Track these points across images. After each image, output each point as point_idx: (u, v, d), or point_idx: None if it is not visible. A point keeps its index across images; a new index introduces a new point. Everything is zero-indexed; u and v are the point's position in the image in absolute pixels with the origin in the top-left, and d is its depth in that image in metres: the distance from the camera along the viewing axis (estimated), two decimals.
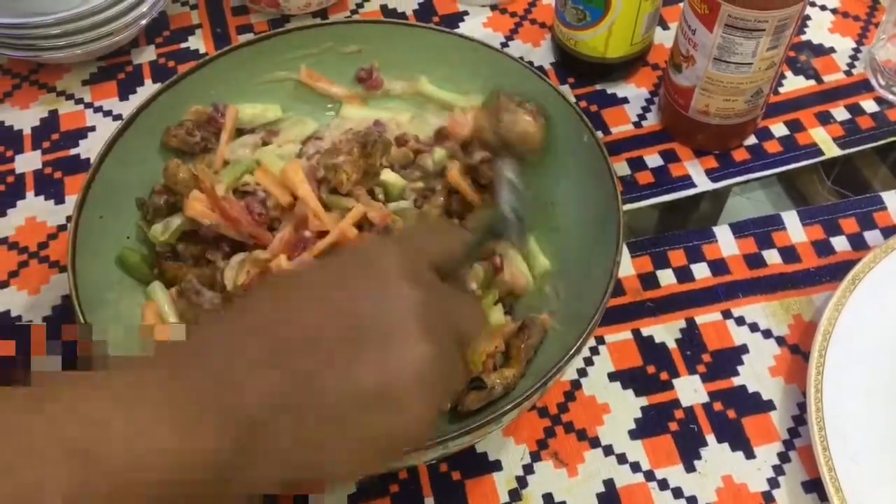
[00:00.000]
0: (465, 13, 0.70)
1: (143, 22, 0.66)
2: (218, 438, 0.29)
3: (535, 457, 0.49)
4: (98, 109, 0.65)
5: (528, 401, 0.41)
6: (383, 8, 0.70)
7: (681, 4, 0.57)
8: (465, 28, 0.69)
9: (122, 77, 0.67)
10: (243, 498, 0.31)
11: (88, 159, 0.62)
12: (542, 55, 0.67)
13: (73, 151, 0.63)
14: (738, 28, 0.51)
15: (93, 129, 0.64)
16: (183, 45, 0.69)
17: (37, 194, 0.60)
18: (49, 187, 0.61)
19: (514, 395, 0.43)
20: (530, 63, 0.66)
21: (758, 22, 0.51)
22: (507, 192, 0.45)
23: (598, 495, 0.48)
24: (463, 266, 0.39)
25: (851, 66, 0.66)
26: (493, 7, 0.71)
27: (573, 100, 0.52)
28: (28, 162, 0.62)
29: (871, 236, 0.57)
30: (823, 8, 0.70)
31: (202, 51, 0.68)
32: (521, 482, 0.48)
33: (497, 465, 0.49)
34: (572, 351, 0.42)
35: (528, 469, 0.49)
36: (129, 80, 0.67)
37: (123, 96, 0.66)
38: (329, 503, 0.47)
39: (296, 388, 0.30)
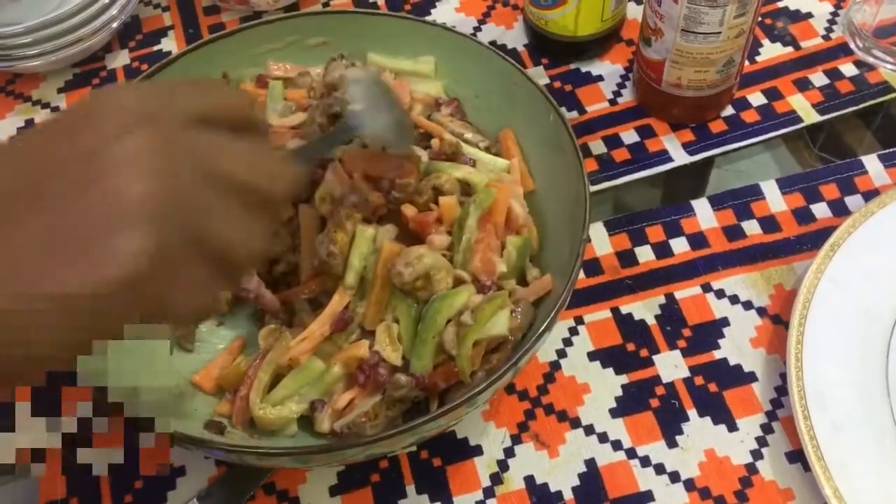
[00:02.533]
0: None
1: (114, 26, 0.66)
2: None
3: (516, 440, 0.49)
4: None
5: (500, 381, 0.41)
6: (346, 11, 0.70)
7: None
8: (437, 14, 0.69)
9: (96, 82, 0.67)
10: None
11: None
12: (515, 37, 0.67)
13: None
14: None
15: None
16: (156, 48, 0.69)
17: None
18: None
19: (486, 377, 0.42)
20: (503, 46, 0.66)
21: None
22: (356, 92, 0.45)
23: (580, 475, 0.47)
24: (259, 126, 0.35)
25: (829, 30, 0.65)
26: None
27: (541, 81, 0.52)
28: None
29: (853, 201, 0.56)
30: None
31: (176, 52, 0.68)
32: (503, 465, 0.48)
33: (478, 450, 0.49)
34: (541, 330, 0.42)
35: (509, 452, 0.48)
36: (103, 84, 0.67)
37: None
38: (310, 494, 0.48)
39: None
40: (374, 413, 0.45)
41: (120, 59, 0.69)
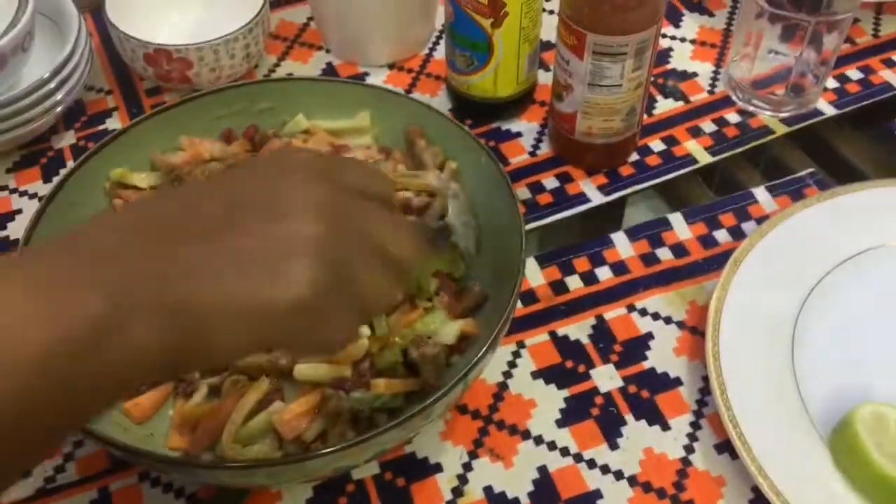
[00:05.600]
0: (366, 73, 0.76)
1: (59, 110, 0.69)
2: (84, 310, 0.29)
3: (473, 455, 0.52)
4: (23, 193, 0.68)
5: (452, 393, 0.45)
6: (289, 77, 0.76)
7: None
8: None
9: (44, 161, 0.70)
10: (120, 365, 0.30)
11: (17, 240, 0.64)
12: (440, 103, 0.74)
13: (1, 234, 0.65)
14: (604, 54, 0.59)
15: (19, 211, 0.67)
16: (101, 127, 0.73)
17: None
18: None
19: (437, 391, 0.46)
20: None
21: (620, 46, 0.58)
22: (453, 205, 0.51)
23: (534, 481, 0.51)
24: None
25: (713, 85, 0.75)
26: (391, 66, 0.77)
27: (467, 129, 0.57)
28: None
29: (748, 226, 0.64)
30: (683, 40, 0.79)
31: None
32: (462, 479, 0.51)
33: (438, 468, 0.52)
34: (485, 348, 0.46)
35: (468, 467, 0.52)
36: (51, 163, 0.70)
37: (47, 179, 0.69)
38: None
39: (165, 261, 0.31)
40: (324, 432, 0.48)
41: (66, 139, 0.72)
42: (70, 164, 0.70)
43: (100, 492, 0.51)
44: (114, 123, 0.73)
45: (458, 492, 0.51)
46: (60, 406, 0.29)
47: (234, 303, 0.31)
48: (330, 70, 0.77)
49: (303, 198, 0.33)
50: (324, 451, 0.43)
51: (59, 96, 0.69)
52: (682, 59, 0.77)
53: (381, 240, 0.35)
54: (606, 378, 0.56)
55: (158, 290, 0.31)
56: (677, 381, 0.56)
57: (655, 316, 0.59)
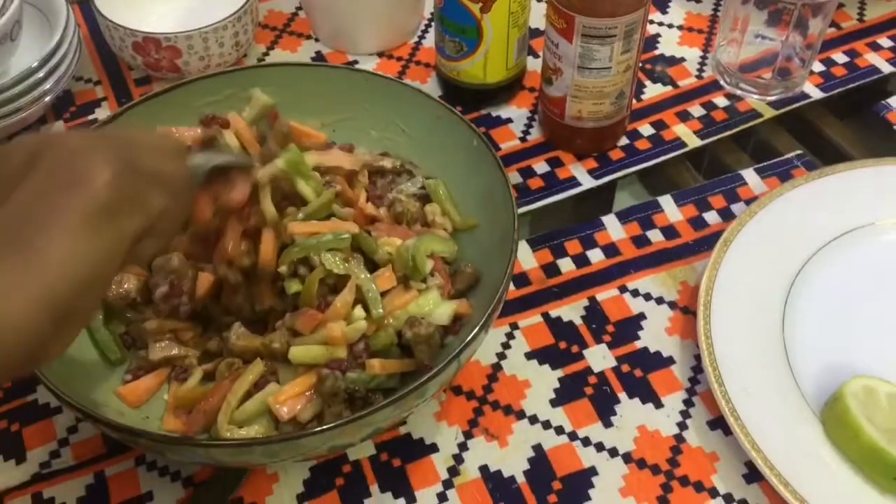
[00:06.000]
0: (355, 62, 0.76)
1: (48, 99, 0.69)
2: None
3: (468, 435, 0.53)
4: None
5: (446, 372, 0.45)
6: (280, 63, 0.76)
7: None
8: None
9: None
10: None
11: None
12: (430, 90, 0.73)
13: None
14: (593, 36, 0.59)
15: None
16: (90, 117, 0.72)
17: None
18: None
19: (431, 370, 0.46)
20: None
21: (609, 29, 0.58)
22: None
23: (530, 459, 0.52)
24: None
25: (701, 70, 0.75)
26: (381, 54, 0.77)
27: (458, 112, 0.58)
28: None
29: (737, 208, 0.65)
30: (671, 26, 0.79)
31: None
32: (458, 459, 0.52)
33: (434, 448, 0.52)
34: (478, 328, 0.46)
35: (463, 447, 0.52)
36: None
37: None
38: (278, 502, 0.50)
39: None
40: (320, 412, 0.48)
41: (55, 129, 0.72)
42: None
43: (96, 476, 0.51)
44: (103, 113, 0.73)
45: (454, 471, 0.51)
46: None
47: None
48: (319, 59, 0.77)
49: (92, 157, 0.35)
50: (319, 428, 0.43)
51: (47, 85, 0.69)
52: (669, 44, 0.78)
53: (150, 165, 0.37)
54: (599, 358, 0.56)
55: None
56: (670, 360, 0.56)
57: (647, 296, 0.59)
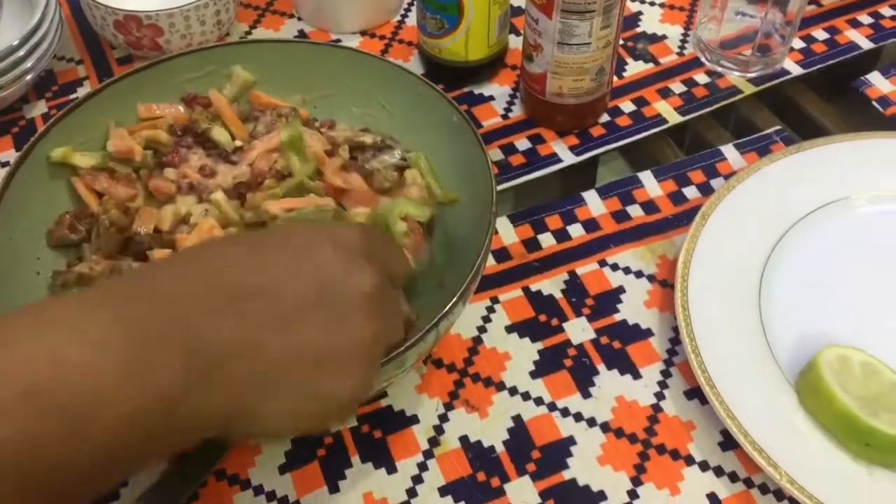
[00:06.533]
0: (338, 41, 0.77)
1: (29, 77, 0.69)
2: (172, 371, 0.31)
3: (449, 407, 0.53)
4: None
5: (424, 342, 0.45)
6: (261, 40, 0.76)
7: None
8: None
9: (16, 131, 0.70)
10: (187, 433, 0.33)
11: None
12: (413, 68, 0.73)
13: None
14: (573, 12, 0.59)
15: None
16: (72, 96, 0.72)
17: None
18: None
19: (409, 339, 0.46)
20: None
21: (588, 4, 0.59)
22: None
23: (509, 430, 0.52)
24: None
25: (682, 47, 0.76)
26: (363, 33, 0.77)
27: (439, 88, 0.58)
28: None
29: (717, 183, 0.65)
30: (653, 3, 0.80)
31: None
32: (438, 430, 0.52)
33: (414, 419, 0.53)
34: (456, 297, 0.46)
35: (444, 418, 0.53)
36: (23, 132, 0.70)
37: (19, 148, 0.69)
38: (260, 475, 0.50)
39: (248, 336, 0.33)
40: None
41: (38, 109, 0.72)
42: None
43: None
44: (85, 91, 0.72)
45: (434, 442, 0.52)
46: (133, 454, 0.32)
47: (298, 405, 0.35)
48: (302, 38, 0.77)
49: (362, 293, 0.36)
50: None
51: (28, 63, 0.69)
52: (651, 22, 0.78)
53: (399, 317, 0.41)
54: (579, 330, 0.57)
55: (238, 372, 0.33)
56: (648, 332, 0.57)
57: (626, 270, 0.60)
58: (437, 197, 0.57)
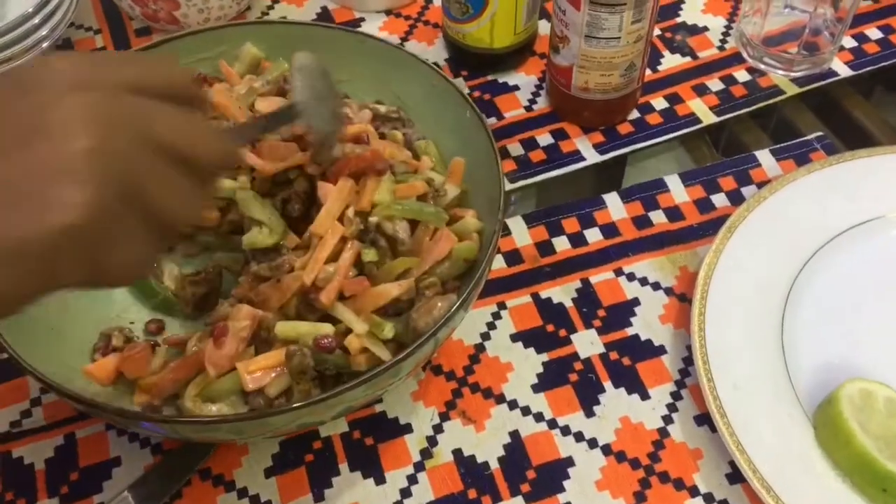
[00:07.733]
0: (362, 20, 0.74)
1: (44, 45, 0.68)
2: None
3: (444, 417, 0.51)
4: None
5: (421, 351, 0.43)
6: (279, 20, 0.73)
7: None
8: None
9: None
10: None
11: None
12: (437, 52, 0.71)
13: None
14: (602, 3, 0.56)
15: None
16: None
17: None
18: None
19: (406, 348, 0.44)
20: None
21: None
22: (299, 80, 0.46)
23: (505, 446, 0.50)
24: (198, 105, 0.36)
25: (724, 41, 0.71)
26: (388, 12, 0.74)
27: (454, 81, 0.55)
28: None
29: (748, 191, 0.61)
30: None
31: None
32: (432, 441, 0.50)
33: (408, 428, 0.51)
34: (456, 306, 0.44)
35: (438, 429, 0.51)
36: None
37: None
38: (246, 476, 0.49)
39: None
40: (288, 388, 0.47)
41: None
42: None
43: (66, 438, 0.50)
44: None
45: (426, 453, 0.50)
46: None
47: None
48: (325, 15, 0.74)
49: (61, 111, 0.29)
50: (287, 407, 0.42)
51: (43, 31, 0.67)
52: (693, 11, 0.73)
53: (174, 143, 0.31)
54: (587, 343, 0.54)
55: None
56: (661, 350, 0.54)
57: (643, 281, 0.57)
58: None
